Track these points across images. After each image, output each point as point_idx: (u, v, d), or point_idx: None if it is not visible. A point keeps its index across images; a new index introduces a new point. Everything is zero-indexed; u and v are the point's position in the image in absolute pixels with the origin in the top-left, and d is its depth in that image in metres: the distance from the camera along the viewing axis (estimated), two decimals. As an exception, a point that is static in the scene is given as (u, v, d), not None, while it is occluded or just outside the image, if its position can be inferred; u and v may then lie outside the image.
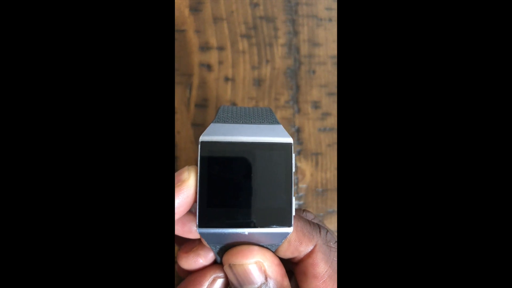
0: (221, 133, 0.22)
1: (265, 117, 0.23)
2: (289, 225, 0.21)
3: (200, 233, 0.21)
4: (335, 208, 0.35)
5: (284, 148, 0.22)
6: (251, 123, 0.23)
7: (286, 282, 0.23)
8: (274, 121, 0.23)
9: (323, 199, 0.35)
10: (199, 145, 0.21)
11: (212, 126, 0.22)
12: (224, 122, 0.23)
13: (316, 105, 0.35)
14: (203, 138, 0.21)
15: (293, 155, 0.22)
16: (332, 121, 0.35)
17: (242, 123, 0.23)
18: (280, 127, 0.23)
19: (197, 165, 0.21)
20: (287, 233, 0.22)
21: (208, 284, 0.23)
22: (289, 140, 0.22)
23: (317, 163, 0.35)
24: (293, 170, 0.22)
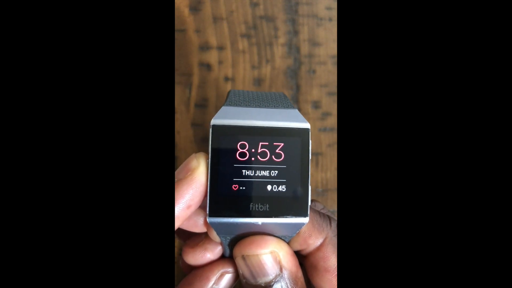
0: (233, 117, 0.20)
1: (280, 101, 0.22)
2: (305, 215, 0.20)
3: (210, 223, 0.20)
4: (335, 208, 0.35)
5: (301, 133, 0.21)
6: (265, 107, 0.21)
7: (300, 273, 0.22)
8: (289, 105, 0.22)
9: (323, 199, 0.35)
10: (210, 129, 0.20)
11: (224, 109, 0.21)
12: (237, 105, 0.21)
13: (316, 105, 0.35)
14: (214, 121, 0.20)
15: (310, 141, 0.21)
16: (332, 121, 0.35)
17: (256, 106, 0.21)
18: (296, 112, 0.21)
19: (206, 150, 0.20)
20: (303, 224, 0.20)
21: (216, 279, 0.22)
22: (307, 125, 0.21)
23: (317, 163, 0.35)
24: (310, 157, 0.21)
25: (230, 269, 0.22)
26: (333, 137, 0.35)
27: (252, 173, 0.20)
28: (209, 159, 0.20)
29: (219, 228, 0.20)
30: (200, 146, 0.34)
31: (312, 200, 0.25)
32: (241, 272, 0.21)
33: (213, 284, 0.22)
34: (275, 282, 0.21)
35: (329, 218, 0.22)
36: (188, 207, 0.20)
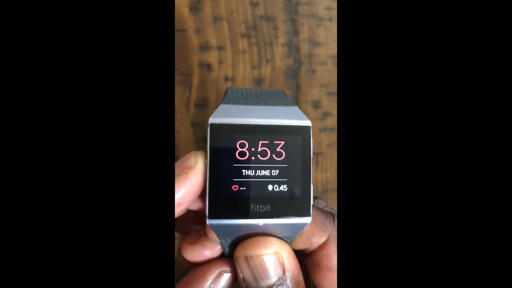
0: (232, 115, 0.20)
1: (279, 98, 0.21)
2: (308, 215, 0.20)
3: (210, 225, 0.19)
4: (335, 208, 0.35)
5: (303, 131, 0.20)
6: (264, 104, 0.21)
7: (301, 277, 0.21)
8: (289, 103, 0.21)
9: (323, 199, 0.35)
10: (208, 128, 0.19)
11: (222, 108, 0.20)
12: (235, 103, 0.20)
13: (316, 105, 0.35)
14: (212, 120, 0.19)
15: (312, 139, 0.20)
16: (332, 121, 0.35)
17: (255, 104, 0.21)
18: (296, 109, 0.21)
19: (206, 150, 0.19)
20: (305, 224, 0.20)
21: (213, 279, 0.21)
22: (308, 122, 0.20)
23: (317, 163, 0.35)
24: (312, 155, 0.20)
25: (228, 269, 0.22)
26: (333, 137, 0.35)
27: (252, 173, 0.19)
28: (208, 159, 0.19)
29: (219, 230, 0.20)
30: (200, 146, 0.34)
31: (314, 197, 0.24)
32: (241, 276, 0.21)
33: (211, 283, 0.21)
34: (277, 285, 0.20)
35: (332, 215, 0.22)
36: (179, 205, 0.19)
